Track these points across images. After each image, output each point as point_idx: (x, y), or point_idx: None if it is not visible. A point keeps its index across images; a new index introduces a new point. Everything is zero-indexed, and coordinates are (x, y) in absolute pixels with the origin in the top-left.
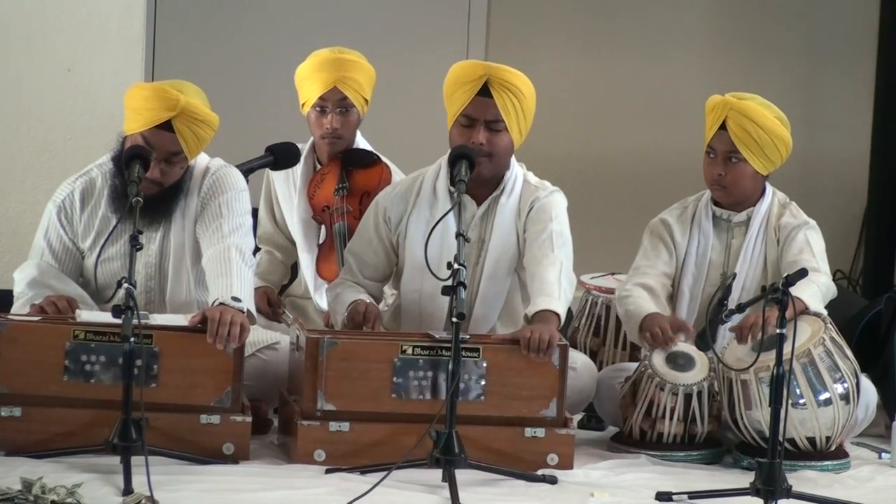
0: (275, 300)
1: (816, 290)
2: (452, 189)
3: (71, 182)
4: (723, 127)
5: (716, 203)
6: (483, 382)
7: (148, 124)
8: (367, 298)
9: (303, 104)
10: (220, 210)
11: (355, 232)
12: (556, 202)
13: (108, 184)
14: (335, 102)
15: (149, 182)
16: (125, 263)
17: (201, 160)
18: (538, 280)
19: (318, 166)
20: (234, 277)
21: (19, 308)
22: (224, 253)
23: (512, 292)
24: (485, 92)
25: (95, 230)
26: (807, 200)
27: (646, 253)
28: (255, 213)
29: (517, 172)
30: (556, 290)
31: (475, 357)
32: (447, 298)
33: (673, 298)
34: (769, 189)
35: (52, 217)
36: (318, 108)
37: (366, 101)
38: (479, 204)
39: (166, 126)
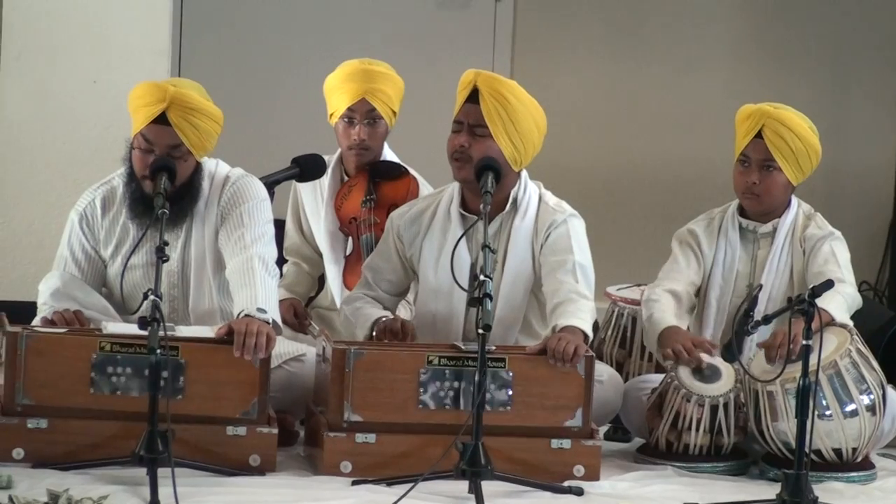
0: (301, 312)
1: (842, 301)
2: (464, 213)
3: (92, 190)
4: (758, 136)
5: (742, 214)
6: (509, 392)
7: (145, 121)
8: (391, 315)
9: (331, 115)
10: (241, 220)
11: (375, 248)
12: (575, 229)
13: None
14: (363, 114)
15: (171, 160)
16: (147, 272)
17: (221, 169)
18: (569, 306)
19: (346, 178)
20: (258, 288)
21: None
22: (247, 263)
23: (530, 314)
24: (473, 98)
25: (116, 238)
26: (832, 211)
27: (676, 258)
28: (281, 224)
29: (531, 191)
30: (587, 318)
31: (501, 367)
32: (461, 320)
33: (700, 310)
34: (794, 200)
35: (75, 225)
36: (346, 119)
37: (394, 113)
38: (488, 222)
39: (162, 120)
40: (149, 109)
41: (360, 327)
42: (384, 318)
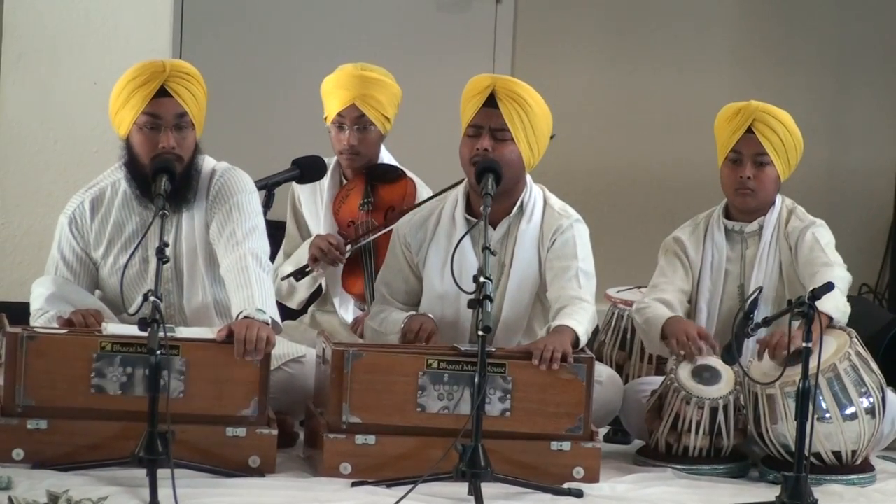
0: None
1: (836, 294)
2: (469, 217)
3: (81, 194)
4: (748, 131)
5: (727, 216)
6: (509, 398)
7: (146, 98)
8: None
9: (325, 118)
10: (231, 214)
11: (384, 263)
12: (581, 235)
13: (119, 191)
14: (353, 119)
15: (171, 157)
16: (141, 271)
17: (207, 163)
18: (569, 309)
19: (345, 181)
20: (254, 287)
21: (43, 324)
22: (241, 262)
23: (533, 319)
24: (491, 103)
25: (107, 238)
26: (832, 213)
27: (662, 270)
28: (283, 226)
29: (536, 194)
30: (583, 319)
31: (501, 372)
32: (468, 326)
33: (691, 315)
34: (779, 197)
35: (64, 229)
36: (336, 124)
37: (387, 119)
38: (494, 226)
39: (163, 93)
40: (148, 87)
41: (390, 333)
42: (410, 316)
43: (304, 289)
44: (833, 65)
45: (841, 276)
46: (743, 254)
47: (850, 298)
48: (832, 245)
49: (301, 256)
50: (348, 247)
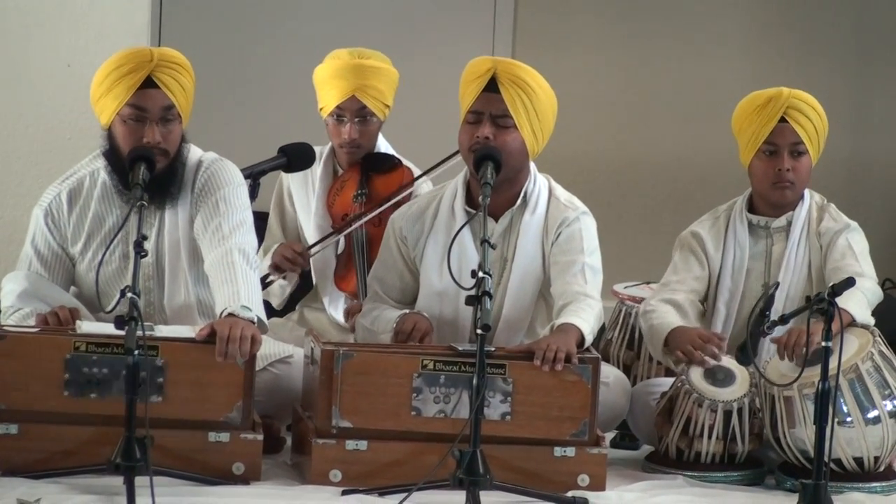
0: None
1: (862, 298)
2: (469, 209)
3: (57, 184)
4: (782, 120)
5: (751, 209)
6: (509, 401)
7: (132, 89)
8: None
9: (321, 108)
10: (217, 207)
11: (377, 257)
12: (588, 228)
13: (98, 181)
14: (354, 112)
15: (156, 151)
16: (121, 266)
17: (193, 153)
18: (574, 306)
19: (339, 170)
20: (239, 284)
21: (16, 322)
22: (227, 257)
23: (536, 317)
24: (492, 87)
25: (86, 232)
26: (854, 205)
27: (675, 268)
28: (265, 217)
29: (541, 185)
30: (589, 317)
31: (501, 374)
32: (467, 325)
33: (708, 316)
34: (807, 191)
35: (39, 221)
36: (335, 117)
37: (387, 106)
38: (497, 219)
39: (149, 84)
40: (133, 77)
41: (382, 332)
42: (403, 314)
43: (276, 296)
44: (854, 49)
45: (870, 289)
46: (768, 251)
47: None
48: (866, 253)
49: (264, 265)
50: (336, 237)
